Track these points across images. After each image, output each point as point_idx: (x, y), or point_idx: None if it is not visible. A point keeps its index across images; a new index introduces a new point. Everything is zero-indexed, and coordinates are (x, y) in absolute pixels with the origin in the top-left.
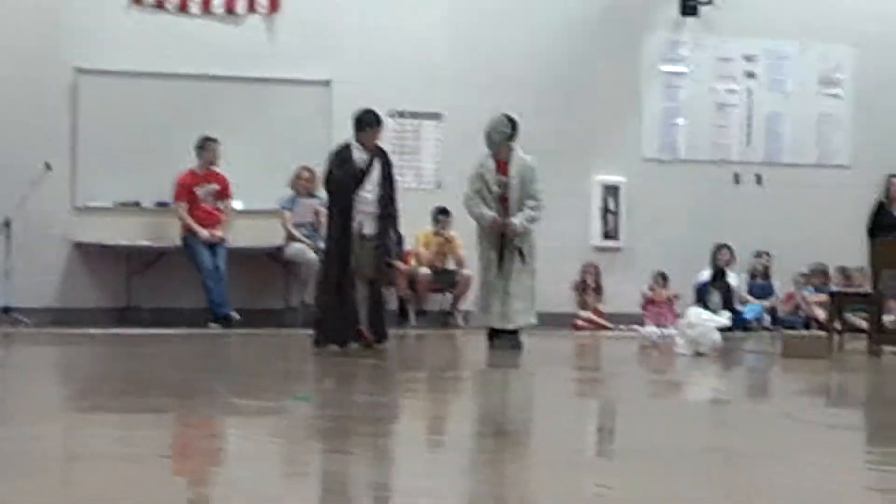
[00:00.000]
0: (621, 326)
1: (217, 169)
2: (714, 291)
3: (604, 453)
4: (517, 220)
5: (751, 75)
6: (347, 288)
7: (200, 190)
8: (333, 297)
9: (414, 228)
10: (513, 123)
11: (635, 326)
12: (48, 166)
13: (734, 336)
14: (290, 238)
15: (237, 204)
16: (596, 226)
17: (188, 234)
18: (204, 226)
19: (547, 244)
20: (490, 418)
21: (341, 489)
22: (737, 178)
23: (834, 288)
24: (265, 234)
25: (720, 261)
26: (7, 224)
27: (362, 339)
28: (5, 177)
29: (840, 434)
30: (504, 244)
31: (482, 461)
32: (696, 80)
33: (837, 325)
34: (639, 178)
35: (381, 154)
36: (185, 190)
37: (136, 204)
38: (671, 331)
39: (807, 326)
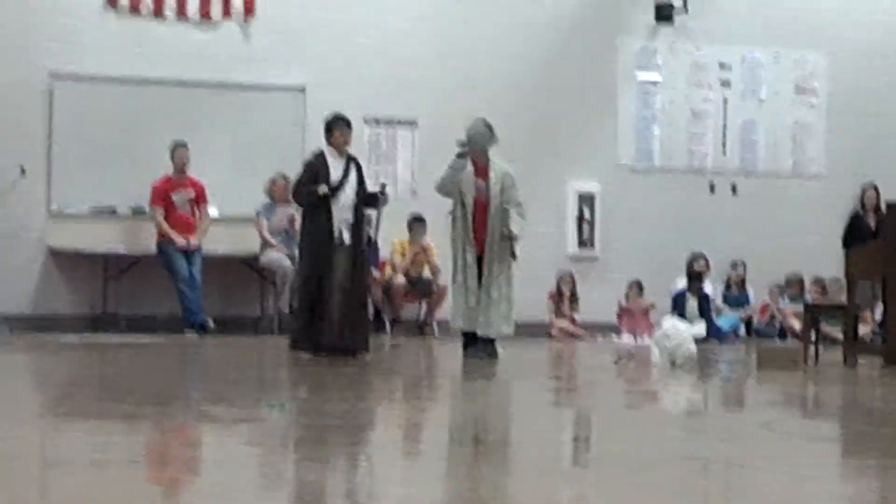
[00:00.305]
0: (598, 337)
1: (193, 175)
2: (690, 298)
3: (580, 462)
4: (515, 228)
5: (726, 83)
6: (322, 295)
7: (176, 196)
8: (307, 304)
9: (389, 236)
10: (490, 129)
11: (612, 336)
12: (23, 171)
13: (709, 346)
14: (266, 245)
15: (212, 210)
16: (571, 234)
17: (163, 240)
18: (179, 232)
19: (522, 252)
20: (466, 427)
21: (316, 498)
22: (712, 187)
23: (809, 298)
24: (240, 241)
25: (696, 266)
26: None
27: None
28: None
29: (815, 445)
30: (485, 248)
31: (458, 470)
32: (671, 88)
33: (812, 335)
34: (614, 186)
35: (355, 162)
36: (161, 195)
37: (112, 210)
38: (646, 341)
39: (782, 337)
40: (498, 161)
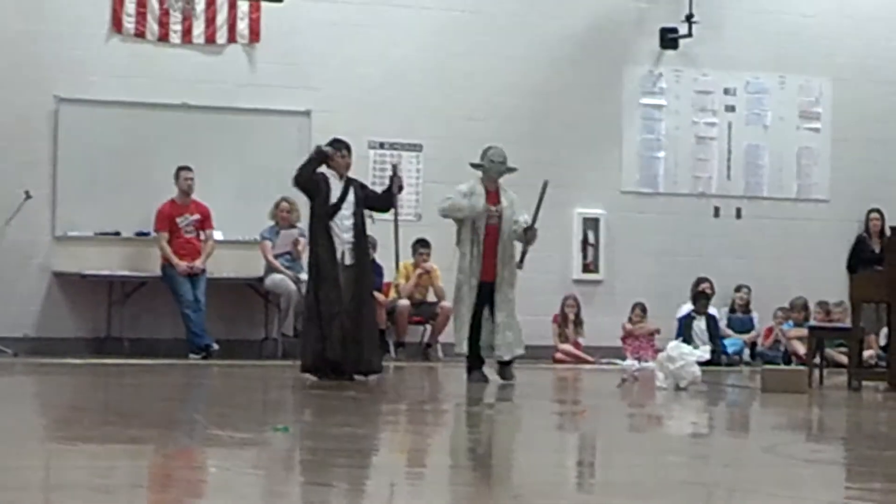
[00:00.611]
0: (602, 360)
1: (197, 199)
2: (697, 318)
3: (584, 488)
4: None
5: (730, 108)
6: (328, 317)
7: (181, 220)
8: (314, 328)
9: (393, 259)
10: (504, 157)
11: (616, 361)
12: (28, 195)
13: (714, 370)
14: (271, 269)
15: (217, 234)
16: (576, 258)
17: (167, 264)
18: (184, 256)
19: (527, 277)
20: (470, 451)
21: None
22: (716, 212)
23: (814, 322)
24: (245, 265)
25: (702, 287)
26: None
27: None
28: None
29: (820, 469)
30: (496, 273)
31: (462, 494)
32: (675, 113)
33: (817, 359)
34: (618, 211)
35: (355, 183)
36: (166, 220)
37: (117, 233)
38: (651, 364)
39: (787, 361)
40: (507, 188)
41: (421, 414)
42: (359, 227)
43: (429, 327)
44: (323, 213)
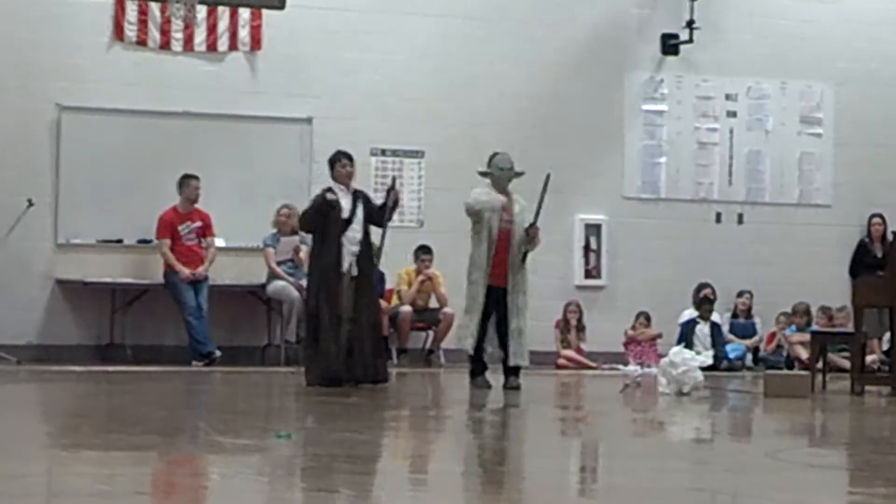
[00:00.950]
0: (604, 365)
1: (199, 206)
2: (701, 323)
3: (587, 493)
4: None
5: (732, 114)
6: (330, 326)
7: (183, 227)
8: (316, 343)
9: (396, 266)
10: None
11: (618, 366)
12: (30, 203)
13: (716, 375)
14: (273, 275)
15: (219, 241)
16: (578, 264)
17: (170, 271)
18: (185, 263)
19: (529, 282)
20: (473, 456)
21: None
22: (718, 217)
23: (816, 327)
24: (247, 272)
25: (704, 293)
26: None
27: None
28: None
29: (822, 474)
30: (507, 279)
31: (465, 499)
32: (677, 119)
33: (820, 364)
34: (620, 217)
35: (361, 196)
36: (168, 227)
37: (119, 241)
38: (653, 370)
39: (789, 366)
40: (517, 196)
41: (424, 420)
42: (364, 238)
43: (431, 333)
44: (335, 230)
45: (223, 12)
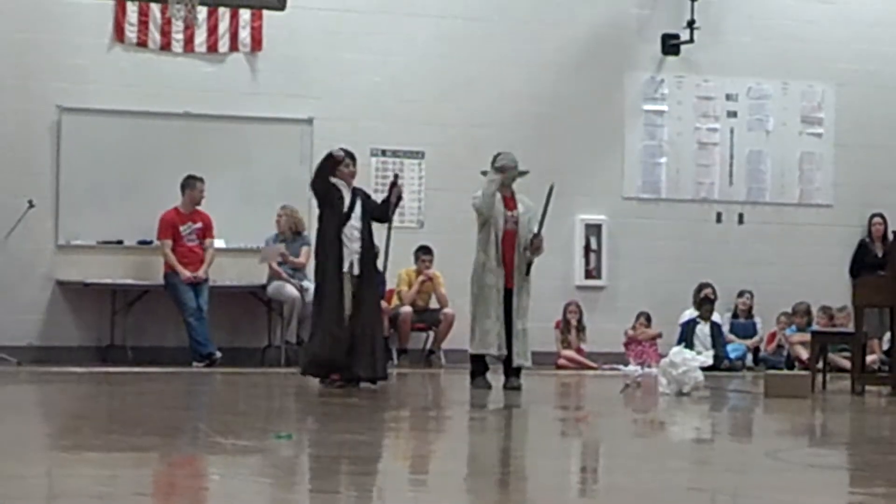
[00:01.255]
0: (604, 366)
1: (200, 208)
2: (702, 323)
3: (587, 493)
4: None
5: (732, 114)
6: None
7: (184, 228)
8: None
9: (396, 267)
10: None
11: (619, 366)
12: (31, 204)
13: (717, 375)
14: (274, 276)
15: (219, 242)
16: (578, 264)
17: (171, 272)
18: (186, 264)
19: (531, 283)
20: (474, 457)
21: None
22: (719, 217)
23: (816, 327)
24: (248, 273)
25: (704, 293)
26: None
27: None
28: None
29: (823, 474)
30: (513, 279)
31: (466, 500)
32: (677, 119)
33: (820, 364)
34: (621, 217)
35: (361, 193)
36: (170, 228)
37: (120, 242)
38: (653, 370)
39: (789, 366)
40: (522, 195)
41: (424, 421)
42: (366, 237)
43: (431, 334)
44: (335, 221)
45: (224, 13)
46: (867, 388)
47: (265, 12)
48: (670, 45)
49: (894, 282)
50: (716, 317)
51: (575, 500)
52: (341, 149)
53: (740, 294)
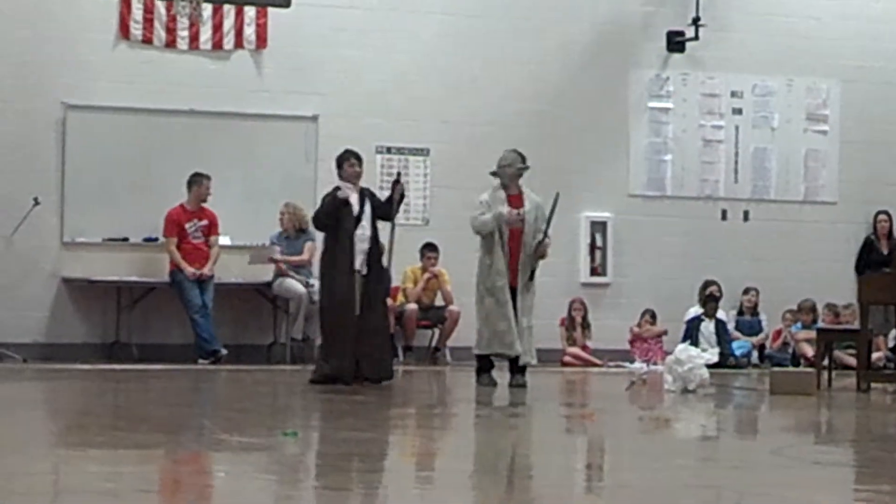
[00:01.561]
0: (609, 363)
1: (206, 205)
2: (707, 321)
3: (593, 490)
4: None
5: (737, 111)
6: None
7: (189, 225)
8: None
9: (401, 264)
10: (523, 159)
11: (624, 363)
12: (36, 201)
13: (722, 373)
14: (279, 273)
15: (224, 240)
16: (584, 262)
17: (176, 269)
18: (191, 262)
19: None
20: (480, 455)
21: None
22: (724, 215)
23: (822, 324)
24: (253, 270)
25: (710, 290)
26: None
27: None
28: None
29: (828, 471)
30: (518, 277)
31: (472, 497)
32: (682, 116)
33: (825, 361)
34: (626, 214)
35: (367, 193)
36: (175, 225)
37: (125, 239)
38: (659, 367)
39: (795, 363)
40: (530, 191)
41: (430, 418)
42: (373, 236)
43: (437, 331)
44: (347, 229)
45: (229, 10)
46: (873, 385)
47: (270, 10)
48: (675, 42)
49: None
50: (721, 314)
51: (580, 498)
52: (346, 150)
53: (746, 291)
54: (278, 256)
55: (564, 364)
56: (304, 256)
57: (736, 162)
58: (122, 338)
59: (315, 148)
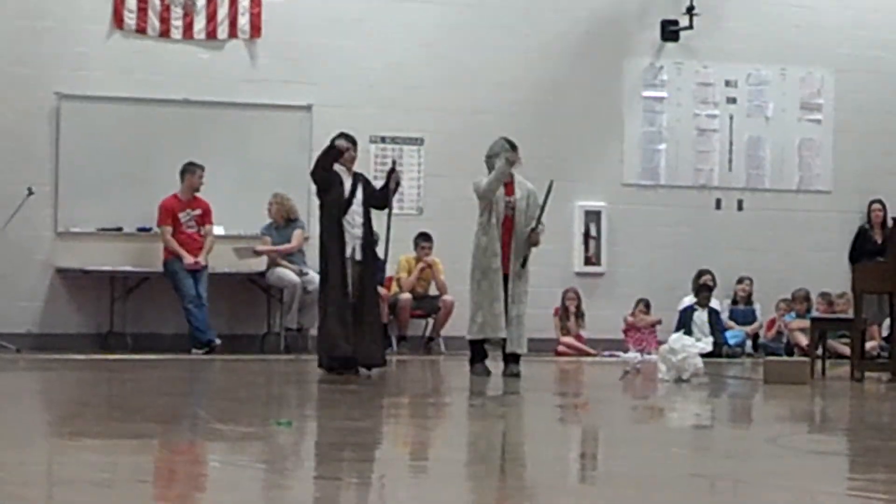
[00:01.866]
0: (604, 352)
1: (199, 195)
2: (700, 310)
3: (587, 480)
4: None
5: (731, 100)
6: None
7: (183, 215)
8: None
9: (395, 254)
10: (513, 146)
11: (618, 353)
12: (30, 191)
13: (716, 362)
14: (273, 263)
15: (218, 229)
16: (577, 251)
17: (170, 259)
18: (186, 251)
19: (529, 270)
20: (474, 444)
21: None
22: (718, 204)
23: (816, 314)
24: (247, 259)
25: (703, 280)
26: None
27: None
28: None
29: (823, 460)
30: (510, 265)
31: (466, 487)
32: (676, 106)
33: (819, 351)
34: (620, 204)
35: (362, 179)
36: (169, 214)
37: (119, 229)
38: (653, 356)
39: (789, 352)
40: (522, 178)
41: (424, 407)
42: (367, 223)
43: (431, 321)
44: (336, 209)
45: (222, 0)
46: (867, 374)
47: None
48: (670, 31)
49: (894, 268)
50: (715, 303)
51: (574, 487)
52: (342, 133)
53: (740, 280)
54: (261, 248)
55: (558, 353)
56: (292, 244)
57: (730, 151)
58: (116, 328)
59: (309, 138)
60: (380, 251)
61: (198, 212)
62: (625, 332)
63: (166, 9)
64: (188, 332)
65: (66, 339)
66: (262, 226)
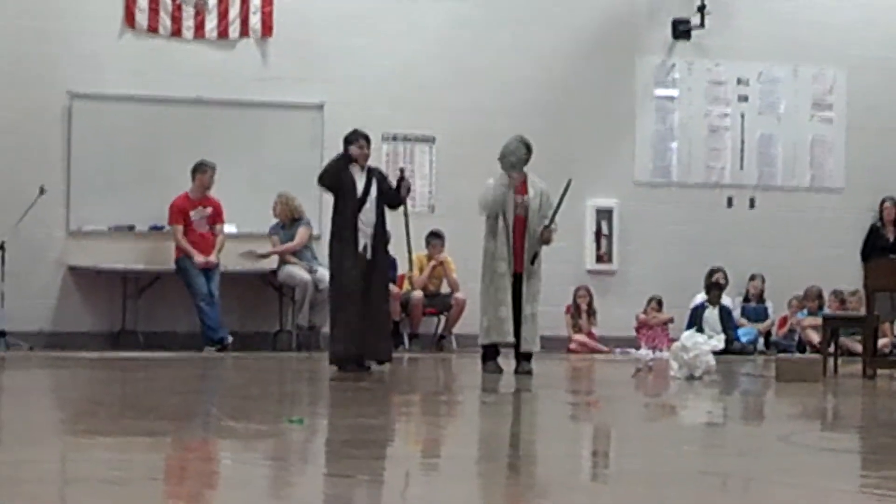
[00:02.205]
0: (616, 350)
1: (210, 193)
2: (711, 308)
3: (599, 477)
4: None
5: (743, 98)
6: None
7: (194, 214)
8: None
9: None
10: (528, 147)
11: (630, 351)
12: (42, 190)
13: (728, 359)
14: (284, 261)
15: (230, 228)
16: (589, 249)
17: (182, 257)
18: (198, 250)
19: (541, 268)
20: (486, 442)
21: None
22: (730, 202)
23: (828, 311)
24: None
25: (715, 277)
26: (1, 248)
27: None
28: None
29: (835, 457)
30: (523, 265)
31: (478, 484)
32: (688, 104)
33: (832, 348)
34: (632, 202)
35: (377, 175)
36: (180, 213)
37: (131, 228)
38: (665, 354)
39: (801, 350)
40: (535, 178)
41: (436, 405)
42: (380, 220)
43: (443, 318)
44: (350, 208)
45: None
46: (879, 371)
47: None
48: (681, 29)
49: None
50: (727, 301)
51: (586, 485)
52: (355, 130)
53: (752, 278)
54: (263, 251)
55: (570, 351)
56: (296, 242)
57: (742, 149)
58: (129, 326)
59: (321, 136)
60: (403, 253)
61: (209, 210)
62: (637, 329)
63: (178, 8)
64: (200, 330)
65: (78, 337)
66: (269, 226)
